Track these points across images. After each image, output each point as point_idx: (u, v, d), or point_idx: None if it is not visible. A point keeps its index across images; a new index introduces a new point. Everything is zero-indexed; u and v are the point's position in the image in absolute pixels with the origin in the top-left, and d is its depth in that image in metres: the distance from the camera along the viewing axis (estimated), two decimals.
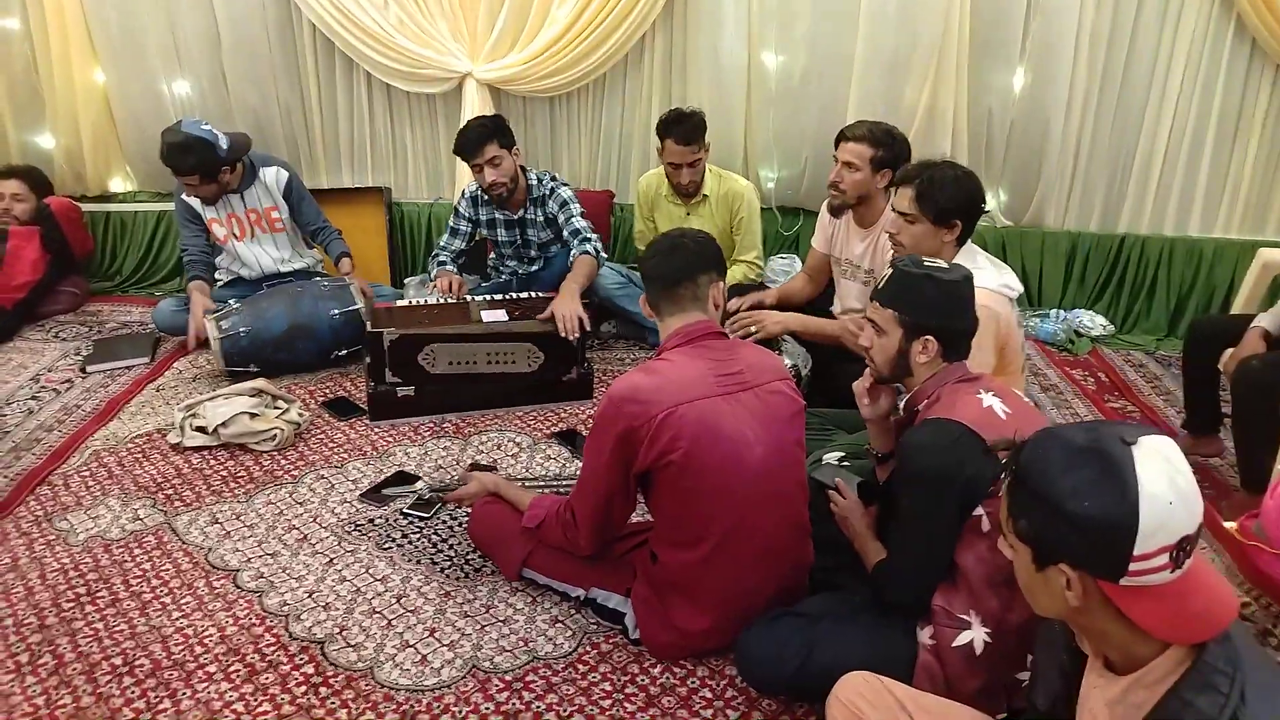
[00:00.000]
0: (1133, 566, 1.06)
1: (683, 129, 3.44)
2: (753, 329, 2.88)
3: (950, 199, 2.25)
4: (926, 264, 1.82)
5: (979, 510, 1.64)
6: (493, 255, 3.77)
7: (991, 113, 3.94)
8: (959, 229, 2.28)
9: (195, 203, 3.52)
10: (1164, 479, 1.06)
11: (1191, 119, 3.86)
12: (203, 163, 3.33)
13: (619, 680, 1.96)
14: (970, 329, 1.80)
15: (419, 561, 2.33)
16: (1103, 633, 1.14)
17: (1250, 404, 2.58)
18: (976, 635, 1.66)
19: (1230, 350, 2.75)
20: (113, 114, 4.34)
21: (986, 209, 2.38)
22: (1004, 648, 1.66)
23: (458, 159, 3.60)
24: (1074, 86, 3.82)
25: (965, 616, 1.67)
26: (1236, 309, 3.33)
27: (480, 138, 3.30)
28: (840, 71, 3.89)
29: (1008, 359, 2.25)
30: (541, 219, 3.52)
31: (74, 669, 1.96)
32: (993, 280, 2.26)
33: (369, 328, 3.03)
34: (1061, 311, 4.03)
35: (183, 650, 2.02)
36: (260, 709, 1.87)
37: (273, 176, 3.59)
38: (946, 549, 1.68)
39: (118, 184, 4.53)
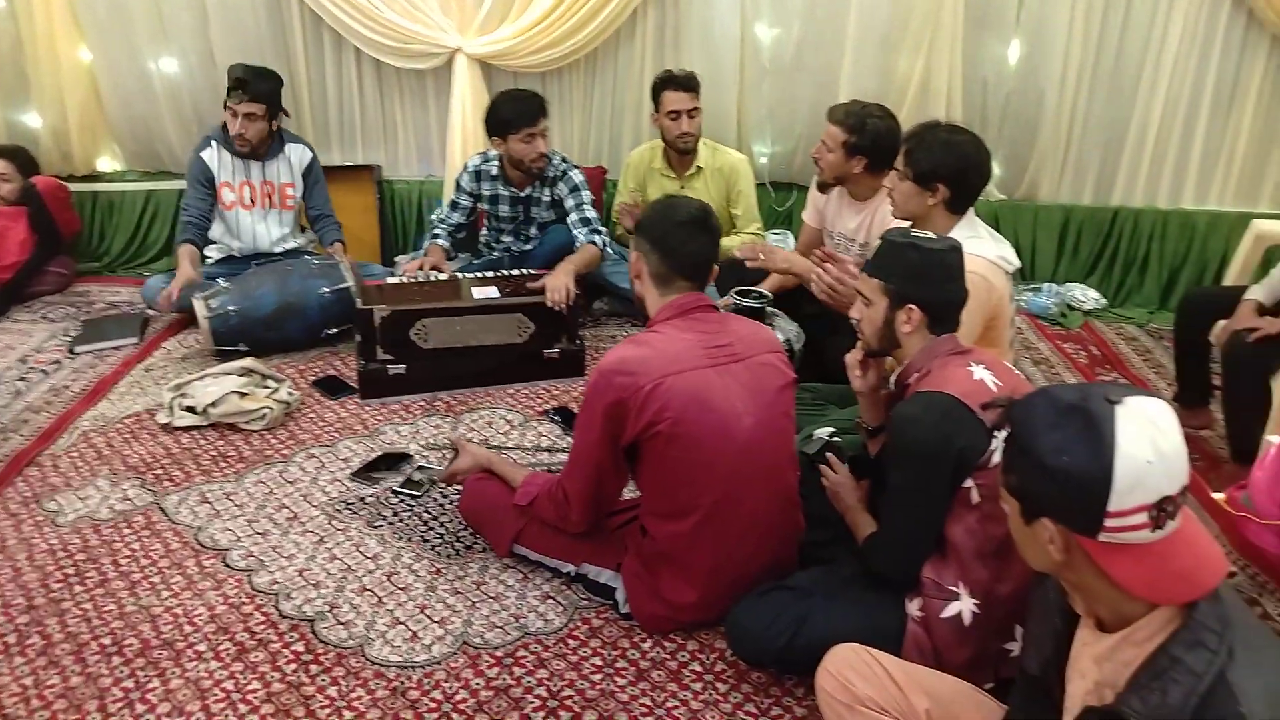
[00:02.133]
0: (1108, 523, 1.07)
1: (681, 77, 3.46)
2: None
3: (934, 161, 2.21)
4: (914, 234, 1.80)
5: (968, 482, 1.63)
6: (485, 231, 3.74)
7: (986, 85, 3.91)
8: (942, 193, 2.23)
9: (213, 162, 3.51)
10: (1144, 438, 1.06)
11: (1186, 91, 3.84)
12: (274, 93, 3.45)
13: (609, 655, 1.96)
14: (958, 300, 1.78)
15: (410, 539, 2.33)
16: (1090, 590, 1.15)
17: (1240, 376, 2.58)
18: (965, 606, 1.66)
19: (1222, 322, 2.75)
20: (99, 93, 4.29)
21: (988, 178, 2.30)
22: (992, 619, 1.66)
23: (455, 135, 3.57)
24: (1069, 58, 3.80)
25: (954, 588, 1.68)
26: (1229, 281, 3.33)
27: (540, 105, 3.30)
28: (834, 44, 3.87)
29: (997, 332, 2.23)
30: (548, 199, 3.51)
31: (62, 649, 1.96)
32: (991, 251, 2.23)
33: (359, 305, 3.01)
34: (1054, 285, 4.02)
35: (172, 630, 2.02)
36: (250, 687, 1.87)
37: (298, 155, 3.64)
38: (936, 522, 1.68)
39: (105, 163, 4.49)
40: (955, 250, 1.78)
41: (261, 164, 3.57)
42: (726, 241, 3.56)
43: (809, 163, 3.91)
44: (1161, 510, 1.07)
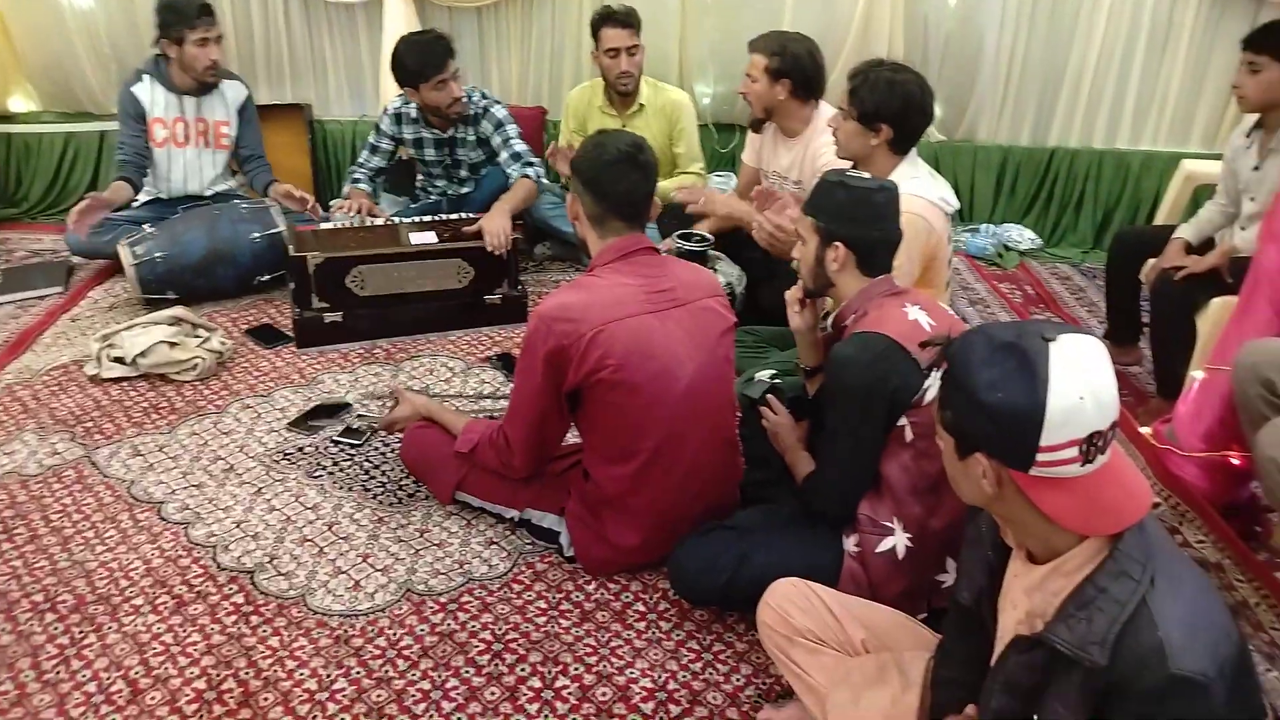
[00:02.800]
0: (1040, 457, 1.09)
1: (620, 14, 3.36)
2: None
3: (877, 100, 2.20)
4: (847, 174, 1.81)
5: (903, 421, 1.66)
6: (421, 176, 3.65)
7: (927, 24, 3.90)
8: (885, 133, 2.23)
9: (146, 97, 3.33)
10: (1076, 374, 1.08)
11: (1122, 33, 3.87)
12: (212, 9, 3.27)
13: (554, 598, 1.97)
14: (886, 241, 1.78)
15: (351, 489, 2.30)
16: (1021, 523, 1.17)
17: (1168, 313, 2.65)
18: (899, 541, 1.71)
19: (1152, 261, 2.81)
20: (7, 28, 4.06)
21: (931, 118, 2.30)
22: (925, 552, 1.70)
23: (388, 73, 3.45)
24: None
25: (889, 524, 1.71)
26: (1160, 220, 3.40)
27: (446, 48, 3.16)
28: None
29: (934, 272, 2.26)
30: (473, 138, 3.41)
31: None
32: (932, 192, 2.24)
33: (292, 251, 2.93)
34: (991, 226, 4.08)
35: (107, 584, 1.98)
36: (189, 639, 1.84)
37: (234, 92, 3.47)
38: (872, 459, 1.71)
39: (18, 103, 4.27)
40: (884, 190, 1.78)
41: (197, 100, 3.39)
42: (666, 183, 3.53)
43: None
44: (1091, 445, 1.09)
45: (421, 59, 3.14)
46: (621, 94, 3.51)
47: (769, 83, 2.80)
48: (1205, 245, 2.78)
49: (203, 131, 3.44)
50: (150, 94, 3.34)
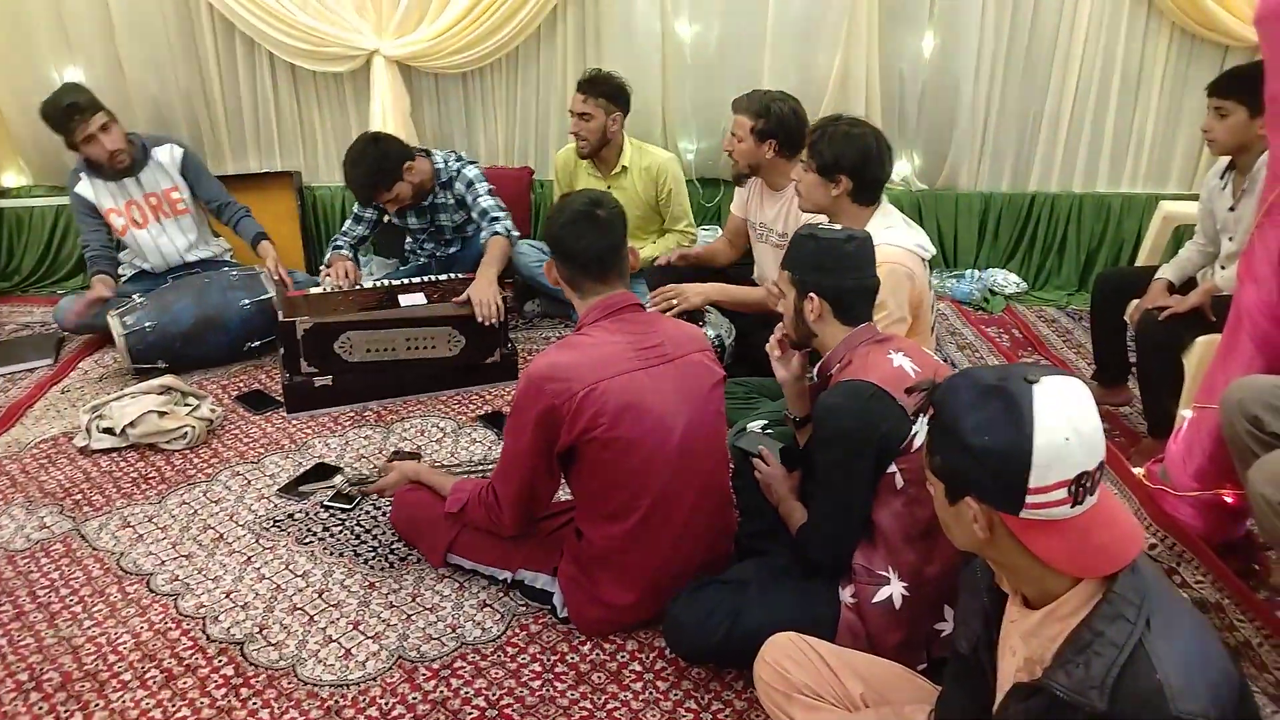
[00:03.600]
0: (1030, 499, 1.09)
1: (584, 78, 3.43)
2: (675, 302, 2.87)
3: (835, 152, 2.26)
4: (818, 226, 1.85)
5: (892, 468, 1.66)
6: (409, 239, 3.68)
7: (903, 77, 3.98)
8: (845, 184, 2.28)
9: (90, 194, 3.35)
10: (1061, 416, 1.09)
11: (1096, 78, 3.95)
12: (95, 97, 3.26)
13: (548, 660, 1.94)
14: (861, 288, 1.81)
15: (341, 554, 2.28)
16: (1015, 567, 1.17)
17: (1153, 353, 2.66)
18: (895, 590, 1.69)
19: (1135, 302, 2.83)
20: (0, 105, 4.13)
21: (889, 171, 2.36)
22: (921, 600, 1.69)
23: None
24: (982, 49, 3.88)
25: (884, 573, 1.70)
26: (1140, 261, 3.44)
27: (367, 189, 3.19)
28: (754, 40, 3.90)
29: (919, 319, 2.28)
30: (452, 201, 3.44)
31: None
32: (907, 240, 2.28)
33: (281, 317, 2.94)
34: (976, 271, 4.11)
35: (95, 660, 1.95)
36: (179, 714, 1.81)
37: (167, 155, 3.44)
38: (864, 507, 1.70)
39: (10, 179, 4.32)
40: (854, 239, 1.80)
41: (136, 178, 3.39)
42: (648, 251, 3.55)
43: None
44: (1080, 486, 1.09)
45: (56, 123, 3.20)
46: (581, 155, 3.56)
47: (755, 143, 2.86)
48: (1187, 285, 2.81)
49: (156, 205, 3.43)
50: (92, 190, 3.36)
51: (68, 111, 3.18)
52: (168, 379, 2.94)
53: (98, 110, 3.24)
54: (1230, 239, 2.69)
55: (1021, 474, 1.09)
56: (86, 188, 3.36)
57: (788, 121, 2.82)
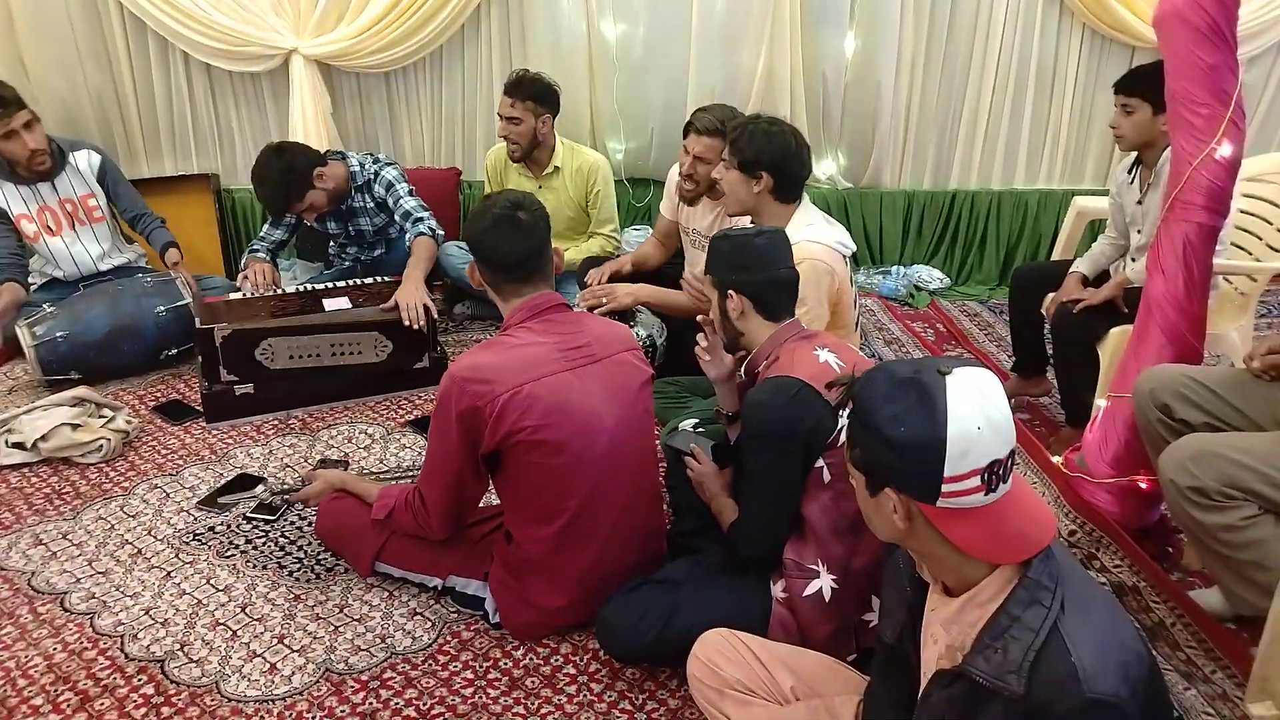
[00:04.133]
0: (945, 488, 1.12)
1: (510, 81, 3.38)
2: (604, 301, 2.86)
3: (756, 150, 2.28)
4: (731, 229, 1.90)
5: (820, 462, 1.68)
6: (333, 243, 3.61)
7: (826, 77, 4.03)
8: (765, 180, 2.30)
9: (0, 198, 3.22)
10: (972, 405, 1.11)
11: (1012, 78, 4.06)
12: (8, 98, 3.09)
13: (481, 667, 1.92)
14: (775, 280, 1.83)
15: (265, 567, 2.22)
16: (934, 556, 1.19)
17: (1070, 345, 2.74)
18: (824, 583, 1.71)
19: (1052, 295, 2.91)
20: None
21: (809, 168, 2.37)
22: (849, 592, 1.71)
23: (291, 138, 3.44)
24: (902, 49, 3.96)
25: (813, 566, 1.72)
26: (1056, 256, 3.53)
27: (278, 203, 3.17)
28: (680, 40, 3.91)
29: (841, 314, 2.31)
30: (371, 204, 3.38)
31: None
32: (828, 236, 2.31)
33: (198, 324, 2.85)
34: (901, 268, 4.20)
35: (2, 686, 1.86)
36: None
37: (85, 161, 3.32)
38: (792, 501, 1.72)
39: None
40: (763, 234, 1.84)
41: (51, 183, 3.26)
42: (572, 254, 3.53)
43: (664, 158, 3.98)
44: (993, 474, 1.12)
45: (266, 206, 3.17)
46: (511, 159, 3.53)
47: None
48: (1101, 277, 2.89)
49: (71, 212, 3.31)
50: (2, 194, 3.22)
51: None
52: (81, 390, 2.83)
53: (22, 107, 3.11)
54: (1139, 232, 2.78)
55: (936, 463, 1.11)
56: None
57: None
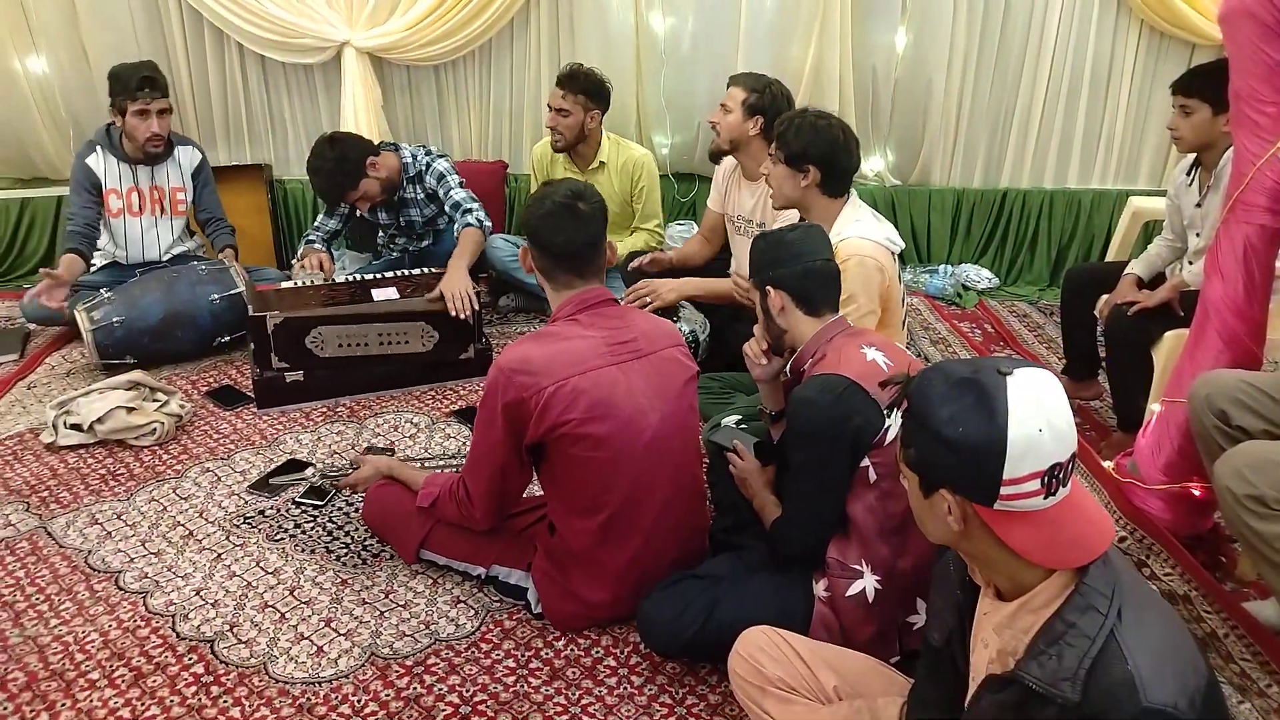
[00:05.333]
0: (1004, 490, 1.10)
1: (562, 73, 3.41)
2: (648, 299, 2.87)
3: (803, 143, 2.26)
4: (769, 228, 1.87)
5: (866, 461, 1.67)
6: (382, 234, 3.65)
7: (876, 72, 3.99)
8: (813, 174, 2.28)
9: (99, 168, 3.31)
10: (1034, 407, 1.09)
11: (1066, 75, 3.99)
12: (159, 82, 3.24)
13: (523, 656, 1.94)
14: (812, 273, 1.82)
15: (313, 551, 2.26)
16: (988, 559, 1.18)
17: (1123, 348, 2.69)
18: (868, 583, 1.70)
19: (1105, 297, 2.86)
20: None
21: (857, 161, 2.37)
22: (894, 593, 1.70)
23: (342, 129, 3.49)
24: (954, 45, 3.91)
25: (857, 566, 1.71)
26: (1110, 257, 3.48)
27: (332, 193, 3.23)
28: (728, 34, 3.89)
29: (890, 312, 2.28)
30: (422, 195, 3.42)
31: None
32: (876, 233, 2.28)
33: (251, 312, 2.90)
34: (949, 266, 4.14)
35: (62, 659, 1.92)
36: (148, 713, 1.78)
37: (187, 157, 3.47)
38: (838, 500, 1.71)
39: None
40: (797, 228, 1.85)
41: (151, 169, 3.39)
42: (623, 245, 3.54)
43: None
44: (1053, 477, 1.10)
45: (122, 84, 3.19)
46: (554, 149, 3.54)
47: (743, 116, 2.85)
48: (1156, 280, 2.84)
49: (158, 199, 3.42)
50: (103, 164, 3.33)
51: (142, 80, 3.19)
52: (136, 374, 2.89)
53: (165, 95, 3.27)
54: (1197, 235, 2.72)
55: (996, 465, 1.09)
56: (98, 160, 3.33)
57: (780, 104, 2.83)
